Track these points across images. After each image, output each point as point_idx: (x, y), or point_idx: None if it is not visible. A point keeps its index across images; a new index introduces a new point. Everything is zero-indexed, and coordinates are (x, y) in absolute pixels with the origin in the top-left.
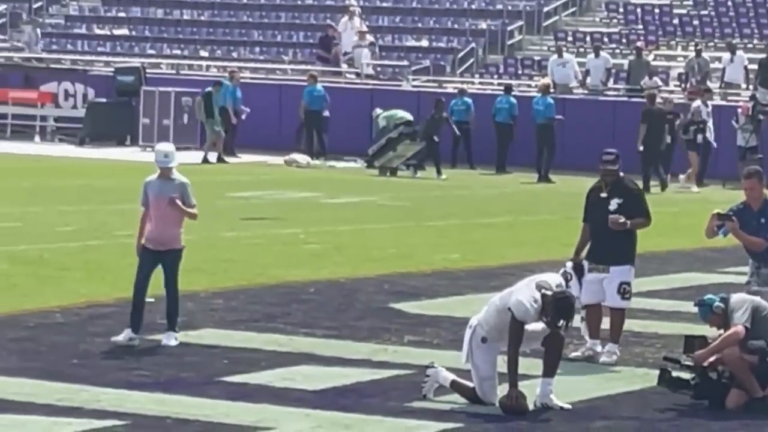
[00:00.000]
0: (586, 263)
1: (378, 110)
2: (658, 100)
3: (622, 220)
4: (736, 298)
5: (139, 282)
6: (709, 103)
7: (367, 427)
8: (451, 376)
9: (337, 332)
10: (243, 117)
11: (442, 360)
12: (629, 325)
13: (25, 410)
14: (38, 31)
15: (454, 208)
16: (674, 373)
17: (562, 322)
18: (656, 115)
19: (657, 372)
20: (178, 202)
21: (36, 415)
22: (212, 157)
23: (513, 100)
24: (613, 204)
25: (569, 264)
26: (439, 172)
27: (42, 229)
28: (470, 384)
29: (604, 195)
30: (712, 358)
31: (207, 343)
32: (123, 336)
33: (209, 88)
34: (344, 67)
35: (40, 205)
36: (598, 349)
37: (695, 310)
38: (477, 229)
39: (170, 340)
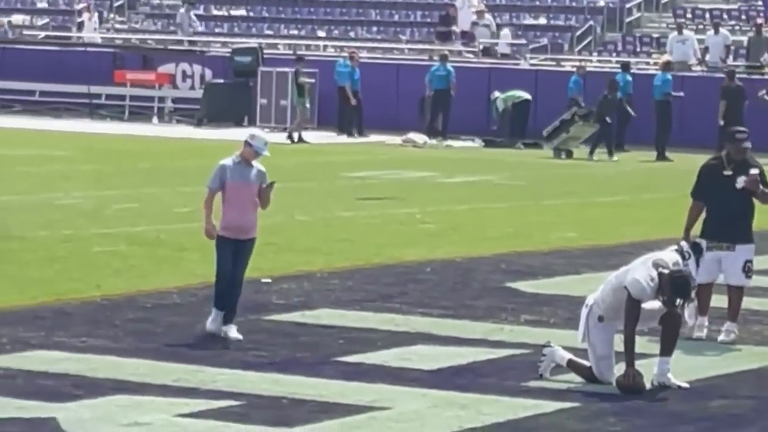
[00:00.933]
0: (703, 242)
1: (496, 93)
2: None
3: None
4: None
5: (225, 274)
6: None
7: (484, 406)
8: (568, 355)
9: (454, 312)
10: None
11: (559, 339)
12: (747, 303)
13: (142, 391)
14: (192, 14)
15: (572, 186)
16: None
17: (679, 300)
18: (734, 92)
19: None
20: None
21: (152, 395)
22: (296, 136)
23: (629, 77)
24: (740, 182)
25: (684, 243)
26: (611, 154)
27: (159, 210)
28: (587, 363)
29: (728, 173)
30: None
31: (323, 323)
32: (215, 327)
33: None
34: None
35: (157, 186)
36: (706, 324)
37: None
38: (594, 208)
39: (233, 331)
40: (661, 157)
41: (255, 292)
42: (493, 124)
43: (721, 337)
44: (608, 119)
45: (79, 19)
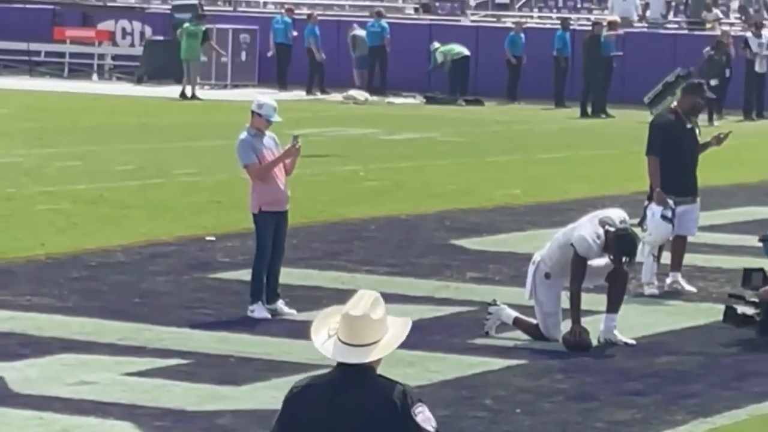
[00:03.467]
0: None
1: (436, 44)
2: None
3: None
4: None
5: (268, 253)
6: (764, 33)
7: (431, 364)
8: (514, 314)
9: (399, 269)
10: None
11: (505, 296)
12: (693, 259)
13: (88, 349)
14: None
15: (515, 143)
16: (739, 310)
17: (625, 258)
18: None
19: (721, 307)
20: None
21: (99, 354)
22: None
23: (567, 35)
24: (698, 134)
25: (671, 202)
26: (710, 119)
27: (102, 168)
28: (533, 321)
29: (690, 126)
30: None
31: None
32: (260, 313)
33: (186, 24)
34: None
35: (99, 144)
36: (680, 280)
37: (759, 245)
38: (538, 165)
39: (285, 307)
40: (601, 113)
41: (200, 250)
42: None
43: (688, 288)
44: (713, 81)
45: None
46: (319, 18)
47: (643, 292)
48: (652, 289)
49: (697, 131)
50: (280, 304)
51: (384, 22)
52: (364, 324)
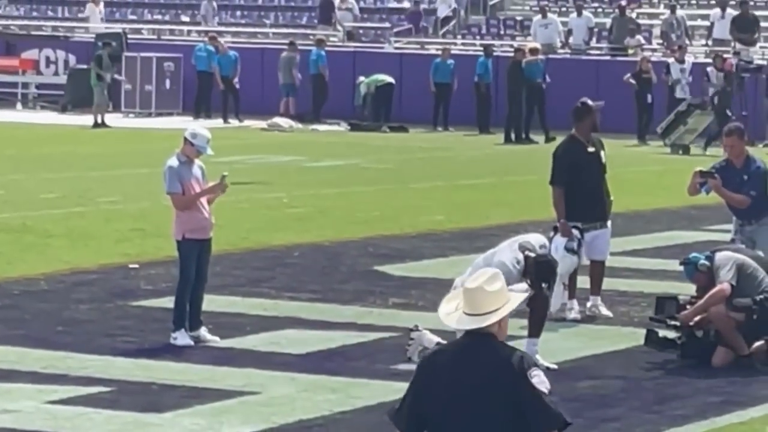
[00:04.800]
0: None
1: (361, 78)
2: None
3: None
4: (720, 255)
5: (191, 281)
6: (687, 59)
7: (354, 390)
8: (436, 339)
9: (322, 296)
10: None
11: (427, 322)
12: (615, 284)
13: (10, 378)
14: (215, 4)
15: (438, 170)
16: (661, 333)
17: (543, 284)
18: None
19: (643, 331)
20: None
21: (21, 383)
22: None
23: (490, 62)
24: (603, 157)
25: (576, 232)
26: (706, 146)
27: (25, 196)
28: None
29: (592, 149)
30: (698, 317)
31: None
32: (183, 340)
33: (99, 51)
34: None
35: (22, 172)
36: (577, 307)
37: (681, 268)
38: (461, 191)
39: (208, 334)
40: (515, 140)
41: (123, 278)
42: (357, 108)
43: (605, 312)
44: (729, 112)
45: None
46: (244, 46)
47: (565, 317)
48: (574, 314)
49: (601, 153)
50: (203, 332)
51: (323, 51)
52: (480, 295)
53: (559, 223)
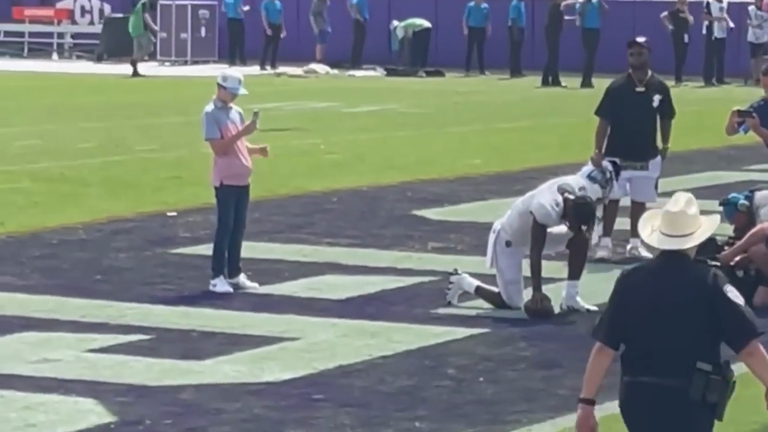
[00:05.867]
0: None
1: (395, 22)
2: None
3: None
4: (760, 195)
5: (229, 227)
6: None
7: (394, 334)
8: (476, 282)
9: (361, 241)
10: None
11: (466, 266)
12: None
13: (50, 327)
14: None
15: (475, 113)
16: None
17: (582, 226)
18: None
19: None
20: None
21: (61, 332)
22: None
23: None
24: (656, 101)
25: (607, 164)
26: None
27: (62, 146)
28: (495, 289)
29: (641, 89)
30: (738, 257)
31: None
32: (222, 287)
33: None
34: None
35: (59, 122)
36: (610, 245)
37: (720, 209)
38: (498, 134)
39: (247, 281)
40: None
41: (161, 226)
42: (394, 54)
43: (644, 252)
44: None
45: None
46: None
47: (593, 255)
48: (601, 252)
49: (655, 96)
50: (242, 278)
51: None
52: (681, 218)
53: (594, 152)
